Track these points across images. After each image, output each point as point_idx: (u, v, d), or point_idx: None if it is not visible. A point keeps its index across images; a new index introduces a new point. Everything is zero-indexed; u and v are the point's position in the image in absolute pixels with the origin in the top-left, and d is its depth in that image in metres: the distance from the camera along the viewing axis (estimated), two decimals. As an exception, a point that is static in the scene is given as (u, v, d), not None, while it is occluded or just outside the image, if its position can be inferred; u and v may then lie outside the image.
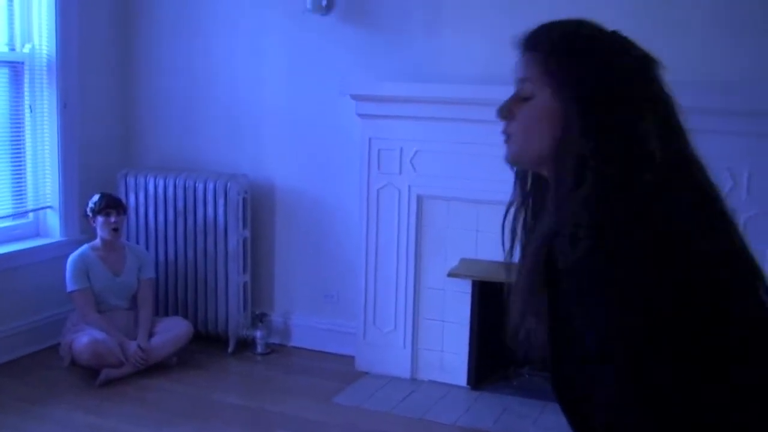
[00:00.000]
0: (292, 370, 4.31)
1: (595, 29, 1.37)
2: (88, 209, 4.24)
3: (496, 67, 4.01)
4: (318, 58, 4.36)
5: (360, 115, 4.13)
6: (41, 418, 3.64)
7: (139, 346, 4.12)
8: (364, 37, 4.25)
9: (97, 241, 4.26)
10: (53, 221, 4.54)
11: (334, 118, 4.34)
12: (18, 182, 4.42)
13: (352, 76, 4.23)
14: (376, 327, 4.24)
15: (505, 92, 4.15)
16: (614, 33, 1.37)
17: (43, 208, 4.53)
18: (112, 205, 4.22)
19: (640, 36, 1.38)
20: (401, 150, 4.09)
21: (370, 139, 4.14)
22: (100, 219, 4.20)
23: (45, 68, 4.38)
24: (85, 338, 4.02)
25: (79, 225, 4.52)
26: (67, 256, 4.24)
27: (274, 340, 4.61)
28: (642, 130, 1.28)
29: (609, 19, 1.41)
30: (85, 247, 4.26)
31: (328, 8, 4.24)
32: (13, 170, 4.40)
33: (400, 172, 4.10)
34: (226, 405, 3.84)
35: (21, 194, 4.44)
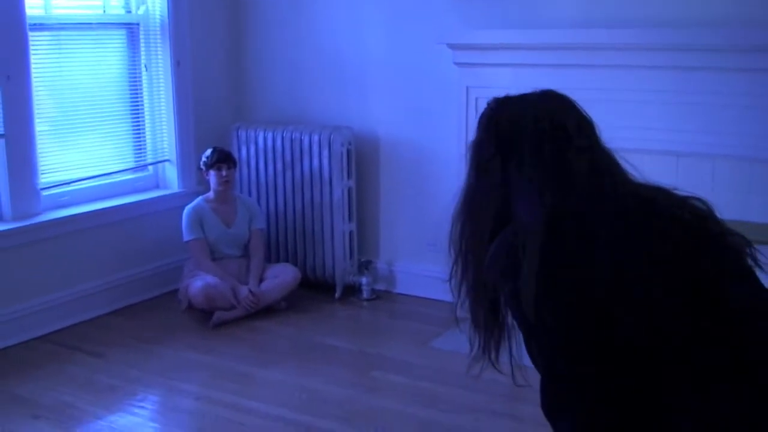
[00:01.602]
0: (394, 315, 4.45)
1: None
2: (201, 163, 4.47)
3: (594, 9, 3.97)
4: (416, 9, 4.41)
5: (457, 64, 4.16)
6: (158, 356, 3.90)
7: (250, 291, 4.33)
8: (461, -14, 4.27)
9: (211, 194, 4.49)
10: (171, 174, 4.81)
11: (433, 68, 4.39)
12: (137, 137, 4.69)
13: (449, 24, 4.27)
14: (477, 273, 4.28)
15: (604, 35, 4.07)
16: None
17: (161, 162, 4.80)
18: (222, 159, 4.42)
19: None
20: (499, 97, 4.10)
21: (467, 88, 4.16)
22: (212, 173, 4.42)
23: (159, 28, 4.62)
24: (199, 283, 4.26)
25: (196, 177, 4.75)
26: (184, 207, 4.49)
27: (380, 286, 4.74)
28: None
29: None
30: (199, 199, 4.49)
31: (425, -42, 4.28)
32: (133, 126, 4.67)
33: (498, 120, 4.11)
34: (328, 346, 4.01)
35: (141, 149, 4.72)
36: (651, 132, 3.70)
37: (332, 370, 3.73)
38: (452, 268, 1.75)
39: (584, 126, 1.72)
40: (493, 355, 1.76)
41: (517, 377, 1.74)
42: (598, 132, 1.73)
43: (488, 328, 1.73)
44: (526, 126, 1.69)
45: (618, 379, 1.52)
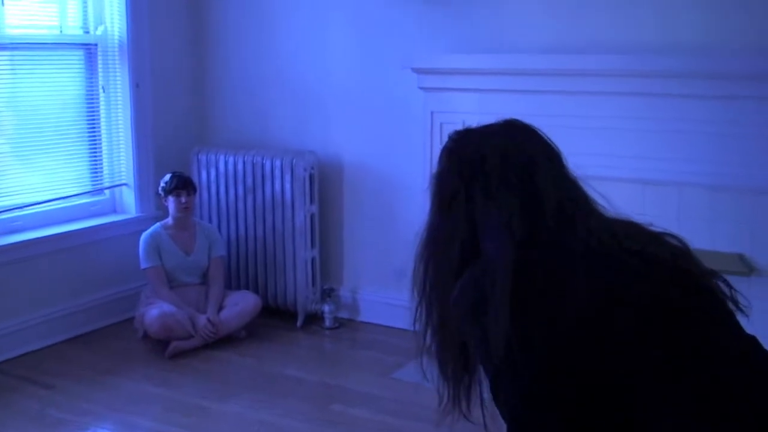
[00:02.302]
0: (357, 345, 4.35)
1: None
2: (160, 189, 4.36)
3: (563, 35, 3.93)
4: (380, 32, 4.35)
5: (422, 89, 4.09)
6: (112, 388, 3.77)
7: (208, 320, 4.21)
8: (427, 10, 4.20)
9: (169, 220, 4.37)
10: (129, 198, 4.68)
11: (398, 93, 4.32)
12: (94, 161, 4.57)
13: (414, 49, 4.20)
14: (441, 302, 4.20)
15: (572, 62, 4.03)
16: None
17: (118, 186, 4.67)
18: (182, 185, 4.30)
19: None
20: (463, 124, 4.00)
21: (432, 113, 4.10)
22: (171, 199, 4.30)
23: (117, 49, 4.51)
24: (155, 311, 4.14)
25: (154, 201, 4.63)
26: (142, 232, 4.36)
27: (343, 314, 4.64)
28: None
29: None
30: (157, 225, 4.37)
31: (390, -19, 4.22)
32: (90, 149, 4.54)
33: (463, 146, 4.04)
34: (288, 377, 3.90)
35: (97, 172, 4.59)
36: (617, 159, 3.64)
37: (291, 403, 3.61)
38: (416, 311, 1.65)
39: (551, 155, 1.65)
40: (464, 405, 1.65)
41: (489, 424, 1.63)
42: (565, 161, 1.66)
43: (457, 375, 1.62)
44: (491, 156, 1.61)
45: (589, 428, 1.43)
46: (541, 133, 1.68)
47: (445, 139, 4.25)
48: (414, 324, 1.66)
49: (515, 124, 1.69)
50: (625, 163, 3.62)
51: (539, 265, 1.49)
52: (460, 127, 4.23)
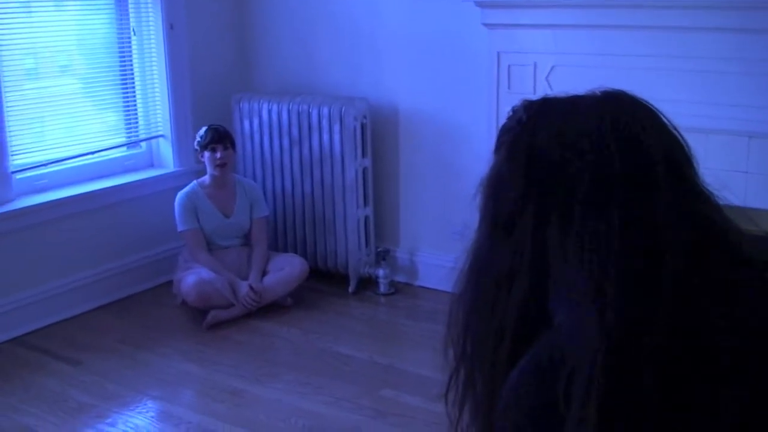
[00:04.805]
0: (415, 314, 3.91)
1: None
2: (196, 143, 3.97)
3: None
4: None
5: (486, 25, 3.58)
6: (142, 365, 3.44)
7: (250, 287, 3.83)
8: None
9: (206, 178, 3.99)
10: (166, 151, 4.31)
11: (459, 30, 3.83)
12: (128, 110, 4.20)
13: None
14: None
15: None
16: None
17: (155, 137, 4.30)
18: (217, 139, 3.90)
19: None
20: (535, 65, 3.51)
21: (498, 54, 3.59)
22: (206, 154, 3.93)
23: (149, -14, 4.10)
24: (192, 278, 3.78)
25: (194, 154, 4.24)
26: (181, 187, 4.00)
27: (400, 278, 4.22)
28: None
29: None
30: (193, 184, 3.99)
31: None
32: (123, 98, 4.17)
33: (535, 92, 3.53)
34: (334, 354, 3.50)
35: (131, 123, 4.23)
36: (718, 108, 3.09)
37: (336, 387, 3.21)
38: (451, 377, 1.12)
39: (678, 158, 1.04)
40: None
41: None
42: (696, 166, 1.06)
43: None
44: (580, 158, 1.01)
45: None
46: (660, 116, 1.06)
47: (514, 83, 3.72)
48: (446, 393, 1.13)
49: (623, 100, 1.06)
50: (727, 113, 3.06)
51: (651, 365, 0.91)
52: (529, 75, 3.60)
